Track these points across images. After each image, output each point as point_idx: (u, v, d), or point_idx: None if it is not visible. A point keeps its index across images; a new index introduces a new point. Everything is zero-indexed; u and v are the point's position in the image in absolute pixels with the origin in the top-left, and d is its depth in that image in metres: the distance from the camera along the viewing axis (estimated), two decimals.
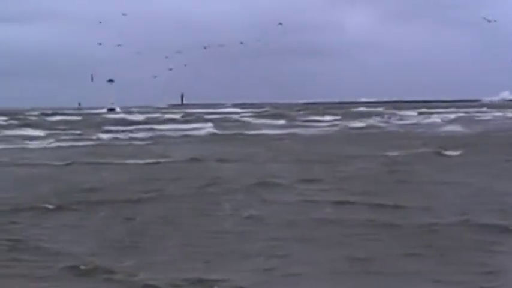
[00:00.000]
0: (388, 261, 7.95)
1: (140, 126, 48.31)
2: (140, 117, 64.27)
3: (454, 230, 9.46)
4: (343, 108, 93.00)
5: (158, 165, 19.72)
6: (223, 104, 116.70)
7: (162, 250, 8.63)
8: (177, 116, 69.07)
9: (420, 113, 69.52)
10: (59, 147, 29.55)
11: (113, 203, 12.15)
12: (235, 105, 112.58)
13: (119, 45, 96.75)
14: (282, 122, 55.64)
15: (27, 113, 77.27)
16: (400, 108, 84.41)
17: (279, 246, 8.76)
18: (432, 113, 67.65)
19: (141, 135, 38.57)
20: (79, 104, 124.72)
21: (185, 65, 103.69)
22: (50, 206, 11.72)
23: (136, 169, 18.52)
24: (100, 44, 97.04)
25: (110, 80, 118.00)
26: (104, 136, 37.41)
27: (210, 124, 49.18)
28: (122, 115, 72.68)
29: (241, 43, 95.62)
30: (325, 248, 8.66)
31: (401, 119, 59.09)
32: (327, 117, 62.12)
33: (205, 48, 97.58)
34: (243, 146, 27.68)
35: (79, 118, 64.91)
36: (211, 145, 28.99)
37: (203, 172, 17.26)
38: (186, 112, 79.14)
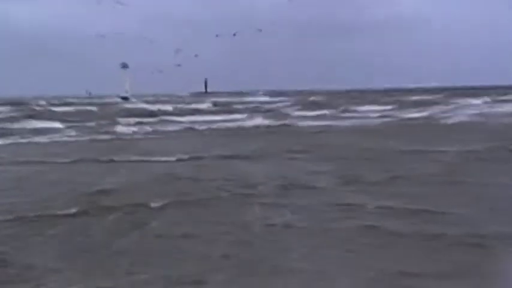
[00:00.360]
0: (433, 279, 7.90)
1: (164, 118, 48.88)
2: (163, 108, 64.90)
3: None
4: (394, 96, 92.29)
5: (181, 163, 19.95)
6: (253, 92, 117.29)
7: (177, 263, 8.72)
8: (204, 106, 69.62)
9: (492, 101, 68.56)
10: (69, 142, 30.09)
11: (124, 208, 12.32)
12: (266, 93, 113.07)
13: (117, 33, 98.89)
14: (324, 112, 55.58)
15: (32, 103, 78.56)
16: (462, 96, 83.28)
17: (311, 258, 8.80)
18: (504, 101, 66.60)
19: (163, 128, 39.02)
20: (89, 92, 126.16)
21: (196, 55, 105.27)
22: (50, 214, 11.90)
23: (156, 168, 18.74)
24: (103, 35, 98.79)
25: (124, 65, 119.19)
26: (122, 129, 37.95)
27: (243, 115, 49.52)
28: (141, 105, 73.49)
29: (260, 30, 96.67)
30: (364, 261, 8.65)
31: (466, 108, 58.29)
32: (377, 107, 61.78)
33: (217, 36, 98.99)
34: (279, 141, 27.76)
35: (92, 108, 65.83)
36: (243, 139, 29.15)
37: (231, 171, 17.41)
38: (214, 101, 79.67)
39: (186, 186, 14.96)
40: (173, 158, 20.86)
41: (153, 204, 12.62)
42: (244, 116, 50.13)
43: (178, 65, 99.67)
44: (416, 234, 9.91)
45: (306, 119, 46.20)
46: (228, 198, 13.35)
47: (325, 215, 11.50)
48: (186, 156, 21.29)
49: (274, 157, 21.03)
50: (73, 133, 35.44)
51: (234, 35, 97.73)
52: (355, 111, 58.12)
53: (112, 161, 20.89)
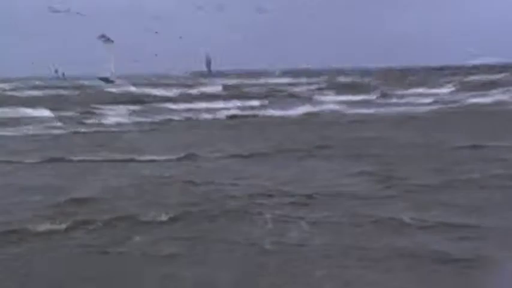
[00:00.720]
0: None
1: (160, 105, 49.10)
2: (157, 92, 65.09)
3: None
4: (444, 75, 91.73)
5: (178, 163, 20.11)
6: (267, 72, 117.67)
7: None
8: (213, 90, 69.74)
9: None
10: (40, 135, 30.33)
11: (103, 222, 12.39)
12: (283, 74, 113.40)
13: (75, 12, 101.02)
14: (363, 97, 55.42)
15: None
16: None
17: (331, 285, 8.88)
18: None
19: (159, 117, 39.26)
20: (56, 71, 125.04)
21: (180, 37, 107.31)
22: (10, 230, 11.90)
23: (145, 169, 18.88)
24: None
25: (104, 37, 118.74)
26: (107, 120, 38.25)
27: (262, 102, 49.65)
28: (129, 88, 73.75)
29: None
30: None
31: None
32: (429, 90, 61.53)
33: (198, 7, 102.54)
34: (304, 134, 27.87)
35: (68, 93, 66.18)
36: (260, 133, 29.31)
37: (240, 174, 17.57)
38: (224, 84, 79.76)
39: (180, 194, 15.04)
40: (169, 157, 21.01)
41: (137, 217, 12.74)
42: (265, 102, 50.32)
43: (156, 55, 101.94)
44: (463, 257, 9.90)
45: (342, 104, 46.21)
46: (233, 208, 13.39)
47: (351, 230, 11.56)
48: (182, 154, 21.42)
49: (296, 155, 21.11)
50: (45, 124, 35.71)
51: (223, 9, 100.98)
52: (400, 95, 57.89)
53: (92, 160, 21.07)
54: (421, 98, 52.97)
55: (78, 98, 59.20)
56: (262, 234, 11.40)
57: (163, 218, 12.70)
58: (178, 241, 11.18)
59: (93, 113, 42.90)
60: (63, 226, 12.22)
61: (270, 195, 14.60)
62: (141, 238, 11.42)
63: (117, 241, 11.30)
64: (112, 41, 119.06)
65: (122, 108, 46.13)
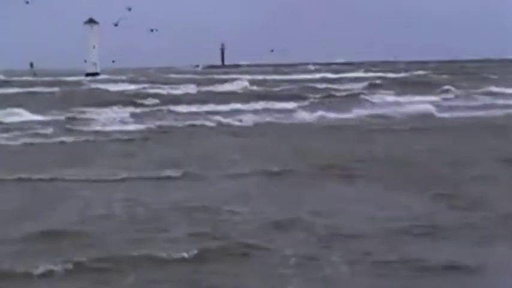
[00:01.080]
0: None
1: (165, 108, 49.40)
2: (164, 91, 65.15)
3: None
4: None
5: (181, 183, 20.18)
6: (300, 65, 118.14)
7: None
8: (231, 88, 69.87)
9: None
10: (5, 146, 30.54)
11: (84, 262, 12.44)
12: (318, 68, 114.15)
13: None
14: (426, 98, 55.13)
15: None
16: None
17: None
18: None
19: (168, 123, 39.58)
20: (31, 65, 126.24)
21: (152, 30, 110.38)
22: None
23: (142, 191, 19.01)
24: None
25: (91, 21, 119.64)
26: (96, 127, 38.49)
27: (297, 103, 49.80)
28: (125, 85, 73.87)
29: None
30: None
31: None
32: (506, 89, 61.30)
33: None
34: (347, 146, 27.93)
35: (45, 90, 66.44)
36: (293, 143, 29.52)
37: (259, 200, 17.71)
38: (250, 79, 79.76)
39: (181, 225, 15.13)
40: (168, 175, 21.08)
41: (126, 255, 12.77)
42: (301, 103, 50.46)
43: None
44: None
45: (401, 108, 46.24)
46: (244, 244, 13.43)
47: (397, 273, 11.59)
48: (185, 172, 21.42)
49: (332, 174, 21.18)
50: (18, 132, 35.85)
51: None
52: (473, 95, 57.66)
53: (72, 179, 21.07)
54: (505, 99, 52.54)
55: (59, 97, 59.44)
56: (284, 277, 11.47)
57: (159, 255, 12.75)
58: (175, 287, 11.25)
59: (76, 118, 43.07)
60: (33, 267, 12.19)
61: (293, 227, 14.66)
62: (130, 282, 11.50)
63: (100, 286, 11.38)
64: (97, 23, 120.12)
65: (115, 112, 46.31)
